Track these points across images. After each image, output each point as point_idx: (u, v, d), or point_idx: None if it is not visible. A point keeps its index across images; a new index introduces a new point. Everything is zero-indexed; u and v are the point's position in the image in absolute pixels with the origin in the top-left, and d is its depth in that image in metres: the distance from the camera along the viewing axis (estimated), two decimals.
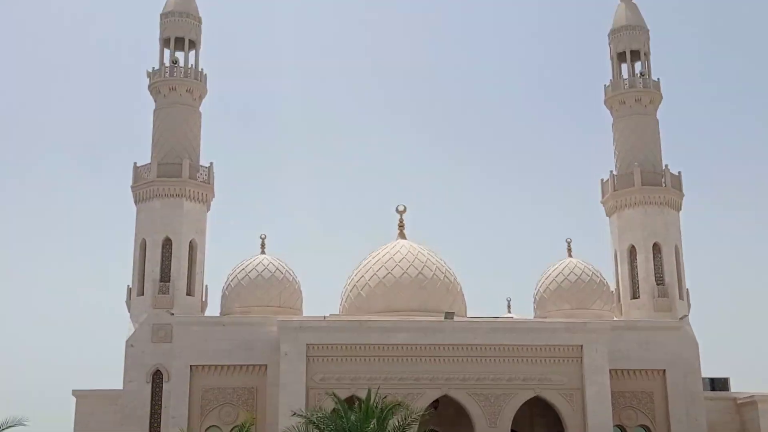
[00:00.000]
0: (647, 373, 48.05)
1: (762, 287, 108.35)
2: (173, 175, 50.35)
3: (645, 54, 55.21)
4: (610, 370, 45.78)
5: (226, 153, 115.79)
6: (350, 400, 36.86)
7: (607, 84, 55.16)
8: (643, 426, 47.68)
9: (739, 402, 49.27)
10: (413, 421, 35.38)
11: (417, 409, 37.96)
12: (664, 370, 47.92)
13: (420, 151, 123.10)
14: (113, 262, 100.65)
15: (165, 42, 53.88)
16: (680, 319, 49.79)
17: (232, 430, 37.34)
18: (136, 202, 51.14)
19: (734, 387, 50.76)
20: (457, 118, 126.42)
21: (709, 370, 49.82)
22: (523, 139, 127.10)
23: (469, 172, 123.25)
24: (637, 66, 55.20)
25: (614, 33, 55.81)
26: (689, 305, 51.26)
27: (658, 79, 54.62)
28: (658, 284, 50.72)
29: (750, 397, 48.62)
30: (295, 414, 37.32)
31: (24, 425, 32.51)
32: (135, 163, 51.66)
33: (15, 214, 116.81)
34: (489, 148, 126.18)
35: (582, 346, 45.67)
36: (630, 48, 55.10)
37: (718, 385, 50.35)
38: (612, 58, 55.70)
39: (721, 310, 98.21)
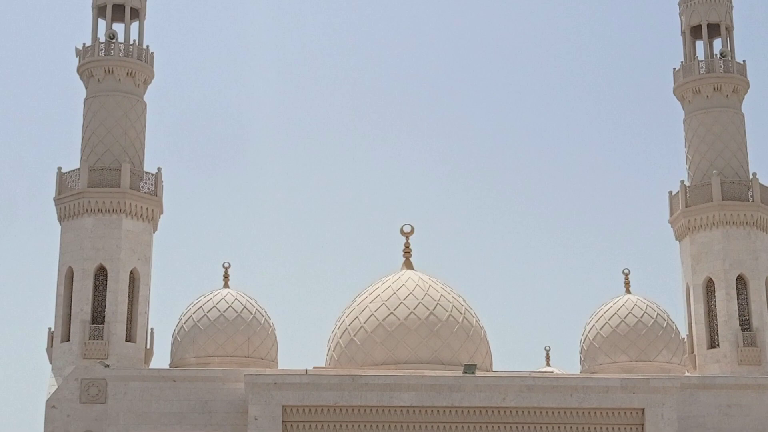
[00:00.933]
0: None
1: None
2: (110, 185, 50.42)
3: (727, 28, 55.39)
4: None
5: (179, 157, 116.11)
6: None
7: (677, 68, 55.45)
8: None
9: None
10: None
11: None
12: None
13: (429, 159, 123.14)
14: (31, 298, 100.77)
15: (99, 10, 54.10)
16: None
17: None
18: (60, 219, 51.23)
19: None
20: (476, 119, 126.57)
21: None
22: (564, 143, 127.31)
23: (493, 184, 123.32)
24: (717, 44, 55.43)
25: (685, 3, 56.06)
26: None
27: (744, 61, 54.98)
28: (743, 329, 50.85)
29: None
30: None
31: None
32: (59, 169, 51.79)
33: None
34: (518, 153, 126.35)
35: (644, 410, 45.66)
36: (707, 21, 55.30)
37: None
38: (683, 34, 56.00)
39: None
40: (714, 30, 55.39)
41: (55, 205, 51.38)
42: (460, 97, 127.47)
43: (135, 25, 54.40)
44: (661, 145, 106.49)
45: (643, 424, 45.61)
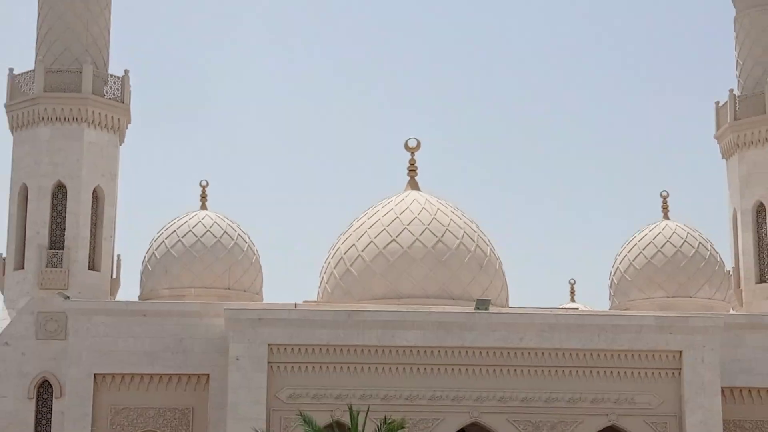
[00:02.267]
0: None
1: None
2: (69, 89, 50.37)
3: None
4: (723, 389, 46.10)
5: (148, 56, 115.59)
6: (332, 427, 36.97)
7: None
8: None
9: None
10: None
11: None
12: None
13: (439, 64, 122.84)
14: None
15: None
16: None
17: None
18: (12, 128, 51.28)
19: None
20: (500, 23, 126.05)
21: None
22: (596, 46, 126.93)
23: (512, 93, 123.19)
24: None
25: None
26: None
27: None
28: None
29: None
30: None
31: None
32: (11, 70, 51.73)
33: None
34: (544, 61, 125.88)
35: (681, 352, 45.86)
36: None
37: None
38: None
39: None
40: None
41: (6, 112, 51.35)
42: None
43: None
44: (707, 48, 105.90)
45: (680, 369, 45.84)
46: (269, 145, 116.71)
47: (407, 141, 56.54)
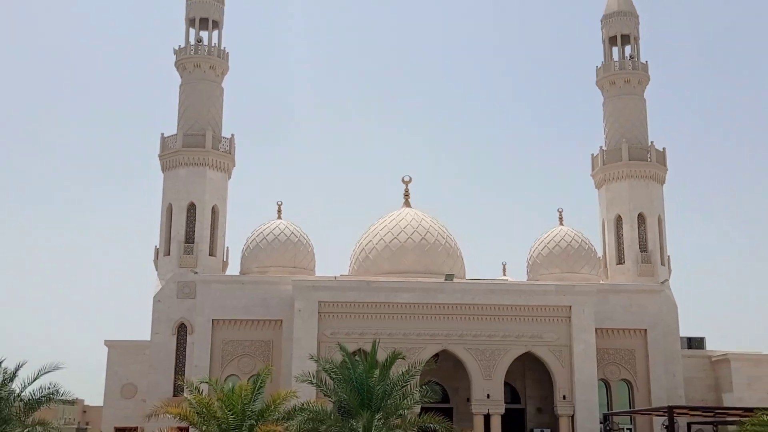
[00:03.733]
0: (630, 333, 48.13)
1: (738, 255, 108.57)
2: (197, 146, 50.42)
3: (635, 38, 54.88)
4: (596, 329, 46.04)
5: (247, 125, 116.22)
6: (357, 353, 37.17)
7: (599, 66, 54.88)
8: (625, 380, 47.92)
9: (713, 360, 49.53)
10: (415, 373, 35.72)
11: (418, 362, 38.06)
12: (646, 330, 48.02)
13: (426, 127, 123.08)
14: (143, 226, 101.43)
15: (190, 22, 53.73)
16: (661, 283, 49.91)
17: (249, 378, 37.70)
18: (163, 169, 51.29)
19: (709, 346, 51.09)
20: (461, 102, 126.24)
21: (686, 330, 50.36)
22: (520, 118, 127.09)
23: (471, 146, 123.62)
24: (627, 50, 54.90)
25: (606, 18, 55.48)
26: (670, 271, 51.39)
27: (646, 61, 54.47)
28: (641, 251, 50.81)
29: (723, 355, 48.84)
30: (311, 357, 37.89)
31: (60, 368, 32.81)
32: (162, 134, 51.72)
33: (59, 181, 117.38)
34: (489, 126, 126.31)
35: (570, 307, 45.87)
36: (621, 32, 54.80)
37: (695, 344, 50.62)
38: (604, 42, 55.42)
39: (699, 276, 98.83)
40: (626, 39, 54.94)
41: (159, 160, 51.43)
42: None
43: (215, 33, 53.84)
44: (586, 121, 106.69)
45: (570, 317, 45.90)
46: (318, 179, 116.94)
47: (403, 177, 56.78)
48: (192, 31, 53.52)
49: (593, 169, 53.97)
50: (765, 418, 31.92)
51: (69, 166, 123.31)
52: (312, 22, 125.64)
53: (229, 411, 31.39)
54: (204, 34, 53.61)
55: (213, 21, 53.64)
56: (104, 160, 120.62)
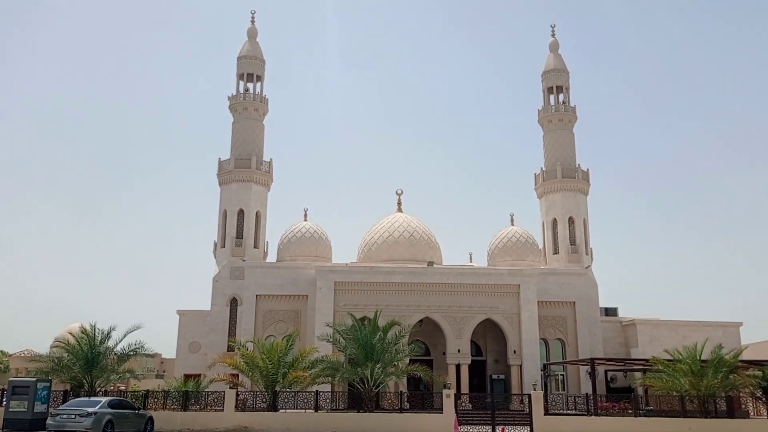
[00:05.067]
0: (563, 304, 48.19)
1: (642, 247, 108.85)
2: (245, 167, 50.51)
3: (566, 88, 54.92)
4: (538, 302, 46.16)
5: (282, 152, 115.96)
6: (363, 320, 37.32)
7: (540, 108, 54.92)
8: (559, 339, 47.90)
9: (623, 324, 49.62)
10: (405, 335, 35.89)
11: (407, 326, 38.16)
12: (574, 302, 48.10)
13: (416, 153, 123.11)
14: (205, 226, 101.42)
15: (240, 76, 53.76)
16: (586, 268, 49.98)
17: (283, 338, 37.85)
18: (219, 184, 51.30)
19: (621, 314, 51.16)
20: (441, 132, 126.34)
21: (604, 302, 50.35)
22: (484, 146, 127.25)
23: (448, 166, 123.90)
24: (561, 96, 55.00)
25: (545, 74, 55.46)
26: (592, 259, 51.45)
27: (575, 105, 54.50)
28: (571, 245, 50.90)
29: (631, 320, 48.93)
30: (328, 325, 37.99)
31: (141, 328, 33.01)
32: (219, 159, 51.78)
33: (150, 193, 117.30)
34: (461, 152, 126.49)
35: (519, 285, 45.98)
36: (556, 84, 54.80)
37: (610, 312, 50.72)
38: (544, 91, 55.41)
39: (613, 262, 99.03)
40: (560, 89, 54.88)
41: (217, 177, 51.44)
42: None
43: (258, 84, 53.79)
44: (531, 149, 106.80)
45: (519, 293, 45.95)
46: (338, 190, 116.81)
47: (397, 190, 56.60)
48: (241, 83, 53.55)
49: (536, 184, 54.07)
50: (661, 365, 32.34)
51: (157, 184, 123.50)
52: (339, 84, 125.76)
53: (268, 361, 31.63)
54: (250, 85, 53.61)
55: (257, 75, 53.68)
56: (180, 182, 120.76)
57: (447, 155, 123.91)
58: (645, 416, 30.80)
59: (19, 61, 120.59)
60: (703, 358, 31.72)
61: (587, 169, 53.09)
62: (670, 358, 32.79)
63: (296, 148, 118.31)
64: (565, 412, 34.71)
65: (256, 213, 50.43)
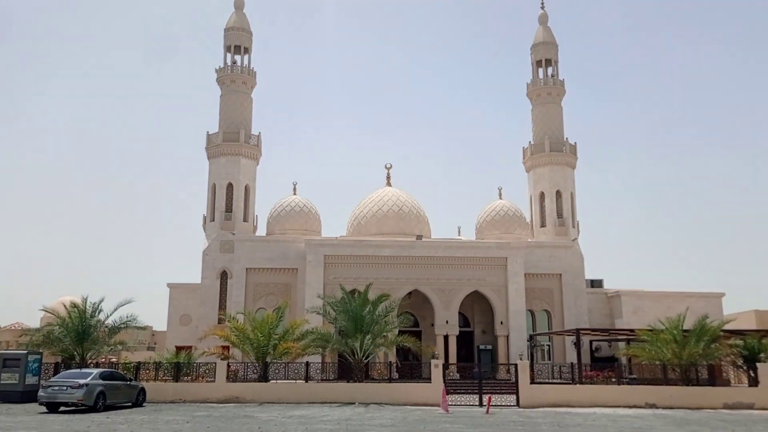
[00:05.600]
0: (549, 276, 48.63)
1: (628, 220, 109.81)
2: (233, 141, 50.20)
3: (555, 62, 54.78)
4: (525, 274, 46.57)
5: (270, 125, 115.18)
6: (353, 293, 37.52)
7: (529, 82, 54.78)
8: (545, 310, 48.44)
9: (608, 295, 50.19)
10: (394, 307, 36.20)
11: (397, 299, 38.44)
12: (561, 274, 48.55)
13: (406, 127, 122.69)
14: (193, 201, 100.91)
15: (227, 48, 53.14)
16: (572, 241, 50.37)
17: (274, 310, 38.02)
18: (208, 158, 50.99)
19: (606, 285, 51.71)
20: (430, 108, 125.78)
21: (589, 274, 50.79)
22: (474, 122, 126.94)
23: (437, 141, 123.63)
24: (550, 70, 54.82)
25: (534, 47, 55.25)
26: (578, 232, 51.83)
27: (563, 79, 54.37)
28: (558, 218, 51.17)
29: (616, 292, 49.55)
30: (319, 296, 38.20)
31: (133, 302, 33.06)
32: (207, 132, 51.47)
33: (138, 168, 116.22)
34: (451, 127, 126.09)
35: (507, 258, 46.30)
36: (545, 57, 54.63)
37: (595, 284, 51.20)
38: (533, 64, 55.24)
39: (599, 236, 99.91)
40: (548, 62, 54.73)
41: (206, 151, 51.10)
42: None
43: (246, 57, 53.27)
44: (520, 123, 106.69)
45: (506, 265, 46.29)
46: (327, 164, 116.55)
47: (386, 164, 56.82)
48: (228, 55, 53.02)
49: (524, 158, 54.14)
50: (644, 335, 32.94)
51: (142, 158, 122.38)
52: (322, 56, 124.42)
53: (259, 333, 31.86)
54: (238, 57, 53.07)
55: (244, 47, 53.10)
56: (167, 152, 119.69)
57: (436, 130, 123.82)
58: (628, 384, 31.42)
59: None
60: (685, 328, 32.27)
61: (575, 143, 53.24)
62: (653, 328, 33.32)
63: (285, 122, 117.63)
64: (550, 381, 35.40)
65: (245, 187, 50.25)
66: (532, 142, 53.43)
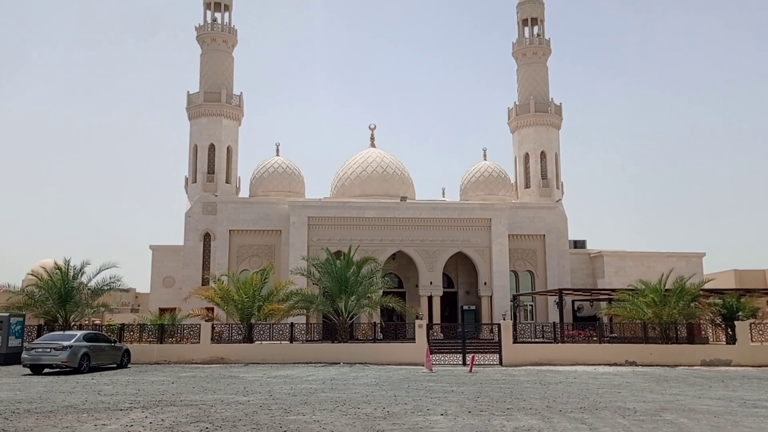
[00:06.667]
0: (533, 237, 49.00)
1: (610, 181, 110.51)
2: (215, 101, 49.47)
3: (541, 21, 54.14)
4: (508, 235, 46.78)
5: (252, 85, 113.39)
6: (337, 254, 37.55)
7: (514, 41, 54.22)
8: (528, 271, 48.93)
9: (591, 256, 50.79)
10: (378, 269, 36.30)
11: (381, 261, 38.48)
12: (544, 235, 48.90)
13: (390, 87, 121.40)
14: (176, 162, 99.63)
15: (207, 5, 51.89)
16: (556, 201, 50.61)
17: (258, 272, 38.04)
18: (189, 118, 50.26)
19: (589, 246, 52.25)
20: (413, 66, 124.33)
21: (573, 235, 51.25)
22: (458, 81, 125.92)
23: (421, 101, 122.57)
24: (536, 29, 54.24)
25: (520, 5, 54.52)
26: (562, 193, 52.04)
27: (549, 38, 53.79)
28: (542, 179, 51.30)
29: (598, 252, 50.14)
30: (303, 258, 38.15)
31: (116, 267, 32.85)
32: (188, 92, 50.62)
33: (120, 130, 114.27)
34: (434, 87, 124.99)
35: (491, 219, 46.41)
36: (531, 16, 54.02)
37: (578, 245, 51.71)
38: (518, 23, 54.62)
39: (582, 196, 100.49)
40: (534, 21, 54.19)
41: (186, 111, 50.33)
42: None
43: (227, 14, 52.09)
44: (506, 84, 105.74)
45: (490, 226, 46.39)
46: (311, 125, 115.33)
47: (370, 125, 56.06)
48: (209, 12, 51.75)
49: (509, 118, 53.93)
50: (625, 295, 33.35)
51: (124, 119, 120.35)
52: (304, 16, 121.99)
53: (243, 294, 31.84)
54: (218, 15, 51.83)
55: (224, 4, 51.87)
56: (149, 111, 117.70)
57: (421, 90, 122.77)
58: (609, 343, 31.95)
59: None
60: (667, 287, 32.72)
61: (560, 104, 53.04)
62: (634, 288, 33.76)
63: (268, 82, 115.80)
64: (533, 340, 35.92)
65: (227, 148, 49.73)
66: (517, 103, 53.13)
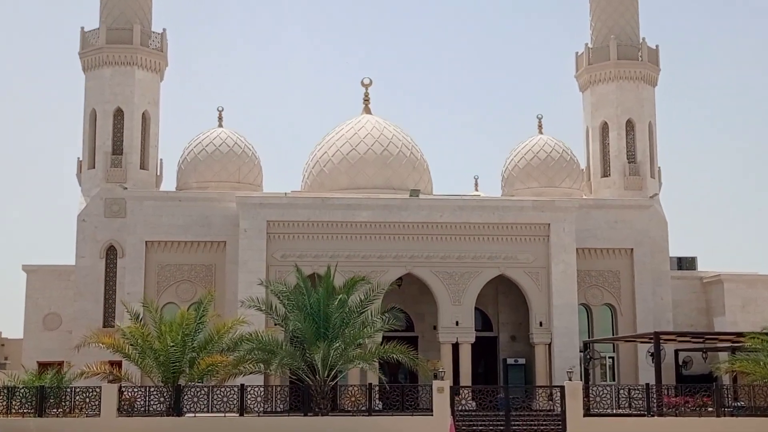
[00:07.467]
0: (614, 252, 48.88)
1: (736, 168, 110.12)
2: (124, 42, 49.54)
3: None
4: (577, 249, 46.68)
5: (181, 18, 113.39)
6: (312, 278, 37.43)
7: None
8: (608, 305, 48.85)
9: (705, 281, 50.68)
10: (375, 299, 36.21)
11: (380, 287, 38.40)
12: (632, 249, 48.77)
13: (388, 22, 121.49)
14: (62, 134, 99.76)
15: None
16: (650, 197, 50.62)
17: (190, 306, 37.88)
18: (84, 69, 50.40)
19: (701, 266, 52.13)
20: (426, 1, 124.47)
21: (677, 249, 51.35)
22: (494, 10, 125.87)
23: (438, 45, 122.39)
24: None
25: None
26: (660, 184, 52.13)
27: None
28: (629, 162, 51.34)
29: (716, 276, 50.01)
30: (261, 282, 38.12)
31: None
32: (82, 28, 50.65)
33: None
34: (458, 19, 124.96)
35: (549, 224, 46.30)
36: None
37: (686, 264, 51.61)
38: None
39: (693, 190, 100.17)
40: None
41: (80, 58, 50.49)
42: None
43: None
44: (571, 14, 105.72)
45: (548, 236, 46.31)
46: (265, 78, 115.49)
47: (363, 79, 55.94)
48: None
49: (577, 70, 53.95)
50: (759, 342, 33.18)
51: None
52: None
53: (169, 341, 31.81)
54: None
55: None
56: (14, 59, 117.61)
57: (436, 28, 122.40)
58: (732, 416, 31.91)
59: None
60: None
61: (656, 47, 53.17)
62: None
63: (206, 13, 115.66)
64: (614, 412, 35.82)
65: (143, 114, 49.84)
66: (590, 46, 53.22)
